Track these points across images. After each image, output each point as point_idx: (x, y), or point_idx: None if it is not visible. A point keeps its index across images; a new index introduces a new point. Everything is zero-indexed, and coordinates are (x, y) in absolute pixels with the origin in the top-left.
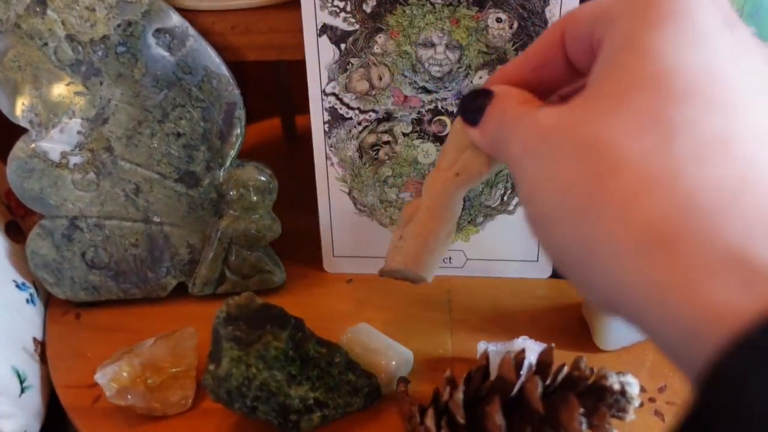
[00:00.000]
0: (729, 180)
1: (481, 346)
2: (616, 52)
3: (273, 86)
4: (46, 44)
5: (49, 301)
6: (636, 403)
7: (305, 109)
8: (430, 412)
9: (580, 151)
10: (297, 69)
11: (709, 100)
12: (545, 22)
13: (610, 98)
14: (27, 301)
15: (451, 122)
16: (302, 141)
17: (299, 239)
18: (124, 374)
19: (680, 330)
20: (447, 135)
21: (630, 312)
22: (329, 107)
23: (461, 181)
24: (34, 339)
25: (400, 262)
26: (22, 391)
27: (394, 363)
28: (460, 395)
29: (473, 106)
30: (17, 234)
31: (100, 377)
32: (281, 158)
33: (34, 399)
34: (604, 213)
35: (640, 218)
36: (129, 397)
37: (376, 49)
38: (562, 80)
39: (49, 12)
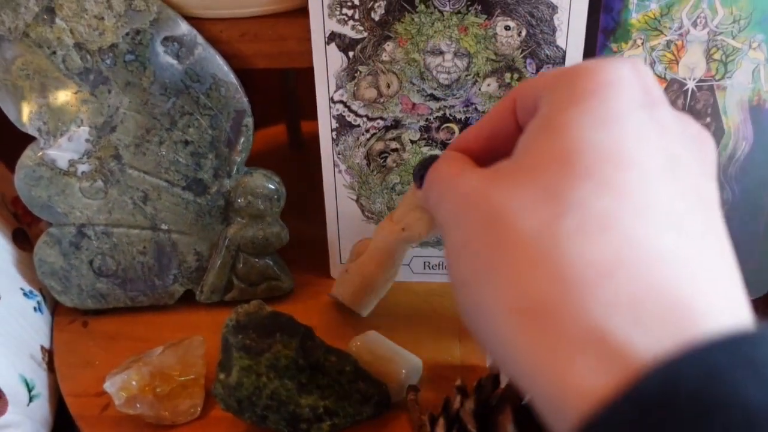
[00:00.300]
0: (604, 259)
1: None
2: (539, 126)
3: (278, 93)
4: (54, 53)
5: (56, 309)
6: None
7: (310, 116)
8: (441, 422)
9: (487, 220)
10: (303, 76)
11: (604, 180)
12: (553, 29)
13: (522, 171)
14: (34, 309)
15: (459, 130)
16: (308, 147)
17: (306, 246)
18: (133, 383)
19: (549, 405)
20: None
21: (515, 377)
22: (337, 115)
23: (405, 236)
24: (42, 347)
25: (340, 294)
26: (30, 399)
27: (403, 371)
28: (471, 405)
29: (420, 171)
30: (24, 242)
31: (109, 386)
32: (287, 165)
33: (42, 407)
34: (495, 282)
35: (521, 291)
36: (138, 405)
37: (385, 57)
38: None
39: (57, 21)
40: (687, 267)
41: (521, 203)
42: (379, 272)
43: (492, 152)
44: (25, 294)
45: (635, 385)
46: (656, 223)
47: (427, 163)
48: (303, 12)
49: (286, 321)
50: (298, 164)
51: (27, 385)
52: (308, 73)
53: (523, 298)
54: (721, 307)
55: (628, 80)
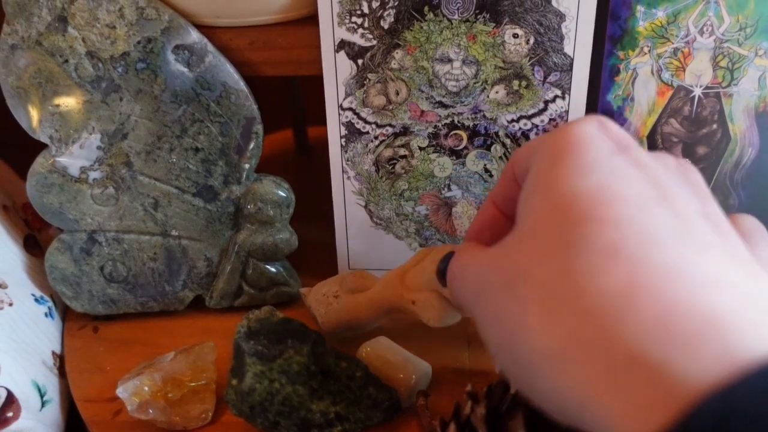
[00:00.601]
0: (619, 285)
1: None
2: (531, 189)
3: (285, 98)
4: (66, 61)
5: (66, 314)
6: None
7: (317, 121)
8: (452, 427)
9: (504, 288)
10: (309, 82)
11: (600, 218)
12: (561, 37)
13: (525, 237)
14: (45, 314)
15: (467, 137)
16: (315, 152)
17: (314, 250)
18: (145, 389)
19: None
20: (463, 149)
21: (570, 421)
22: (346, 122)
23: (411, 309)
24: (53, 353)
25: (320, 315)
26: (43, 405)
27: (413, 376)
28: (482, 410)
29: (440, 271)
30: (35, 248)
31: (122, 392)
32: (294, 170)
33: (54, 413)
34: (526, 338)
35: (552, 337)
36: (150, 411)
37: (394, 65)
38: None
39: (69, 29)
40: (705, 277)
41: (531, 264)
42: (370, 321)
43: (509, 216)
44: (36, 300)
45: (691, 414)
46: (661, 241)
47: (447, 260)
48: (312, 20)
49: (297, 327)
50: (305, 169)
51: (39, 390)
52: (315, 79)
53: (556, 342)
54: (756, 315)
55: (596, 134)
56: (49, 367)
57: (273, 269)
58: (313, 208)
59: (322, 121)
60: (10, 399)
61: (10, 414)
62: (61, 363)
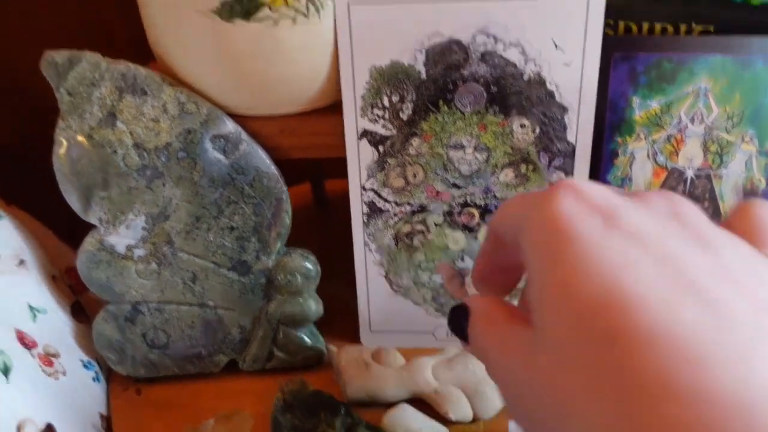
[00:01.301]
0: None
1: (512, 426)
2: (540, 293)
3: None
4: (115, 152)
5: (110, 376)
6: None
7: (333, 174)
8: None
9: (551, 415)
10: None
11: (629, 333)
12: (564, 127)
13: (555, 349)
14: (93, 379)
15: (479, 214)
16: (332, 206)
17: (336, 310)
18: None
19: None
20: (476, 225)
21: None
22: (368, 201)
23: (432, 397)
24: (100, 414)
25: (348, 376)
26: None
27: None
28: None
29: (456, 327)
30: (81, 313)
31: None
32: (314, 225)
33: None
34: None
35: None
36: None
37: (411, 151)
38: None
39: (118, 124)
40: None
41: (576, 398)
42: (391, 396)
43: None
44: (84, 365)
45: None
46: (701, 358)
47: (457, 319)
48: (336, 108)
49: (328, 399)
50: (324, 224)
51: None
52: None
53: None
54: None
55: (576, 210)
56: (97, 429)
57: (301, 334)
58: (335, 264)
59: (337, 173)
60: None
61: None
62: (107, 424)
